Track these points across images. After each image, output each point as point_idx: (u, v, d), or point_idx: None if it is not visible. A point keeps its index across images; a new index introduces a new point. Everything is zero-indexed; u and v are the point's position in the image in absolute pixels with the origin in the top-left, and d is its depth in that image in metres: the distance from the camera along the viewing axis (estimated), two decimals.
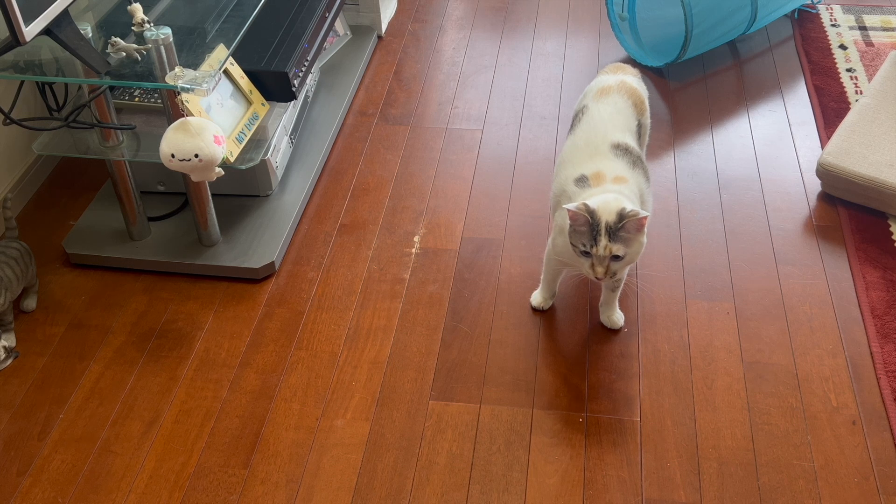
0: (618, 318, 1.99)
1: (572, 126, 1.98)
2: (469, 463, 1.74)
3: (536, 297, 2.04)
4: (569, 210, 1.66)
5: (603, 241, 1.66)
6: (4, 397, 1.90)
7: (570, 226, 1.70)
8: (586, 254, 1.69)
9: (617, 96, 1.95)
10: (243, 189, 2.33)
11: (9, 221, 2.06)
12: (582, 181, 1.80)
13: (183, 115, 1.85)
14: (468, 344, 1.98)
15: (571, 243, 1.71)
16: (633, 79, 2.02)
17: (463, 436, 1.79)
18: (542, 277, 2.03)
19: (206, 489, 1.71)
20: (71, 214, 2.37)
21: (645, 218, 1.65)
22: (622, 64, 2.10)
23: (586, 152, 1.86)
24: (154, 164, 2.06)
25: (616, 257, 1.68)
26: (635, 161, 1.85)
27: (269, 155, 2.26)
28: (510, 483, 1.70)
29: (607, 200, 1.68)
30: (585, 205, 1.66)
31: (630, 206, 1.69)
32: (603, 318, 2.00)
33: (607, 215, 1.66)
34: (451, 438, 1.79)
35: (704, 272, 2.13)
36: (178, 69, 1.78)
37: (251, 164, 2.09)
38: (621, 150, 1.85)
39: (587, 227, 1.66)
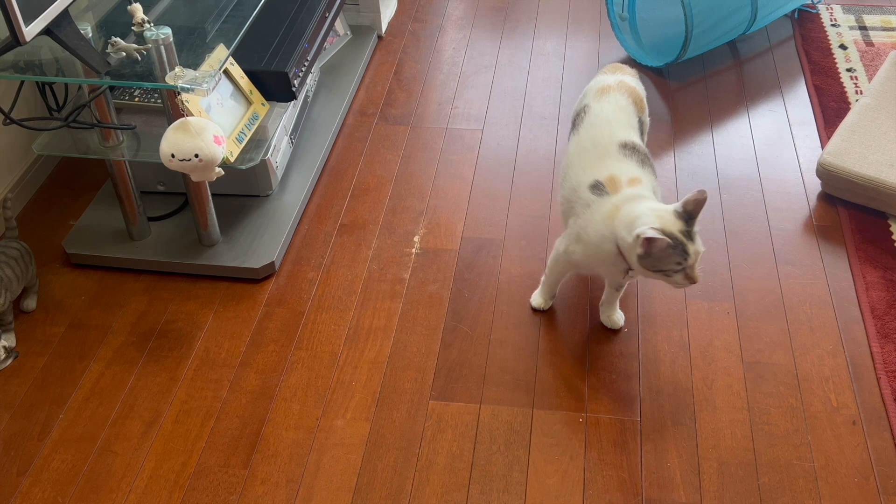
0: (618, 317, 1.99)
1: (574, 126, 1.97)
2: (469, 463, 1.74)
3: (537, 298, 2.04)
4: (647, 239, 1.60)
5: (692, 247, 1.63)
6: (4, 397, 1.90)
7: (644, 255, 1.63)
8: (678, 270, 1.65)
9: (617, 94, 1.94)
10: (243, 189, 2.33)
11: (9, 221, 2.06)
12: (598, 188, 1.77)
13: (183, 115, 1.85)
14: (468, 344, 1.98)
15: (657, 270, 1.65)
16: (631, 78, 2.02)
17: (463, 436, 1.79)
18: (543, 279, 2.03)
19: (206, 489, 1.71)
20: (71, 214, 2.37)
21: (704, 198, 1.62)
22: (620, 64, 2.10)
23: (594, 154, 1.84)
24: (154, 164, 2.06)
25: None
26: (643, 159, 1.84)
27: (269, 155, 2.26)
28: (510, 483, 1.70)
29: (654, 213, 1.65)
30: (658, 229, 1.60)
31: (658, 203, 1.68)
32: (603, 318, 2.00)
33: (674, 225, 1.63)
34: (451, 438, 1.79)
35: (704, 272, 2.13)
36: (178, 69, 1.78)
37: (251, 164, 2.09)
38: (629, 149, 1.83)
39: (671, 247, 1.61)
